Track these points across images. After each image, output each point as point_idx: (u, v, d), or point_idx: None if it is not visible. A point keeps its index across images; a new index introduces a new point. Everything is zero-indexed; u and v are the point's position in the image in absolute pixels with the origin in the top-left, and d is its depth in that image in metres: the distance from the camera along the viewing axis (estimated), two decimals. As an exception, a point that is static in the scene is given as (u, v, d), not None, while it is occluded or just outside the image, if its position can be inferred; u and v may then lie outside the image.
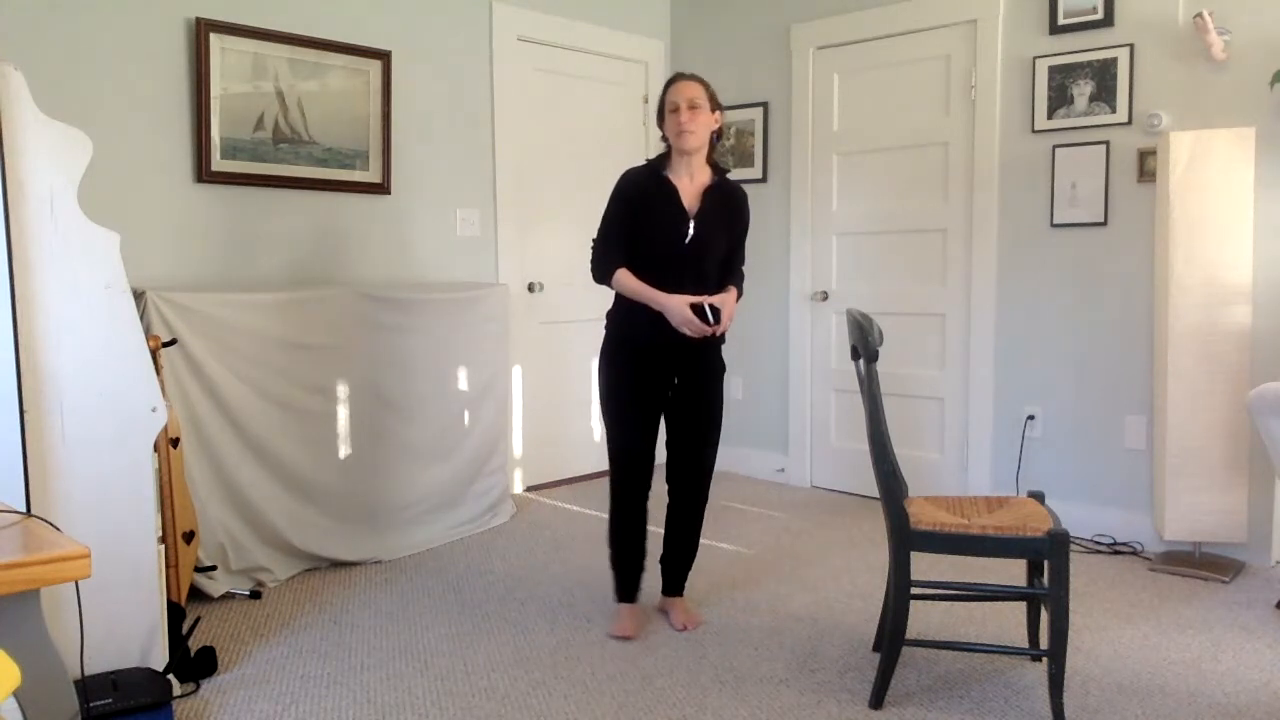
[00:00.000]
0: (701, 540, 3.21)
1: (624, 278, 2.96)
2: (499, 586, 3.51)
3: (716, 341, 3.04)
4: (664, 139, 3.03)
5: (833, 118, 4.79)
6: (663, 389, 3.05)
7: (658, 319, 2.93)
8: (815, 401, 4.95)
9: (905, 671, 2.79)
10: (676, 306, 2.87)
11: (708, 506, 3.20)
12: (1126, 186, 3.91)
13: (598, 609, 3.27)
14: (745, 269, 3.15)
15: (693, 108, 2.91)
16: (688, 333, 2.88)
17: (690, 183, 2.98)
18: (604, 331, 3.09)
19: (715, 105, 2.98)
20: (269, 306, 3.51)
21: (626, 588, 3.12)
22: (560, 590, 3.46)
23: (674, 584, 3.20)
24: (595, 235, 3.04)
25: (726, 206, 3.02)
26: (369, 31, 4.14)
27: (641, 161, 3.14)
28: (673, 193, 2.96)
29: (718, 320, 2.88)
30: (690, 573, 3.23)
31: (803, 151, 4.88)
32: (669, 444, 3.13)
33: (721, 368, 3.10)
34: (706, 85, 2.98)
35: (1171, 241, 3.54)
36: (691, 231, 2.94)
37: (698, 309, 2.86)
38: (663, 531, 3.20)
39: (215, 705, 2.61)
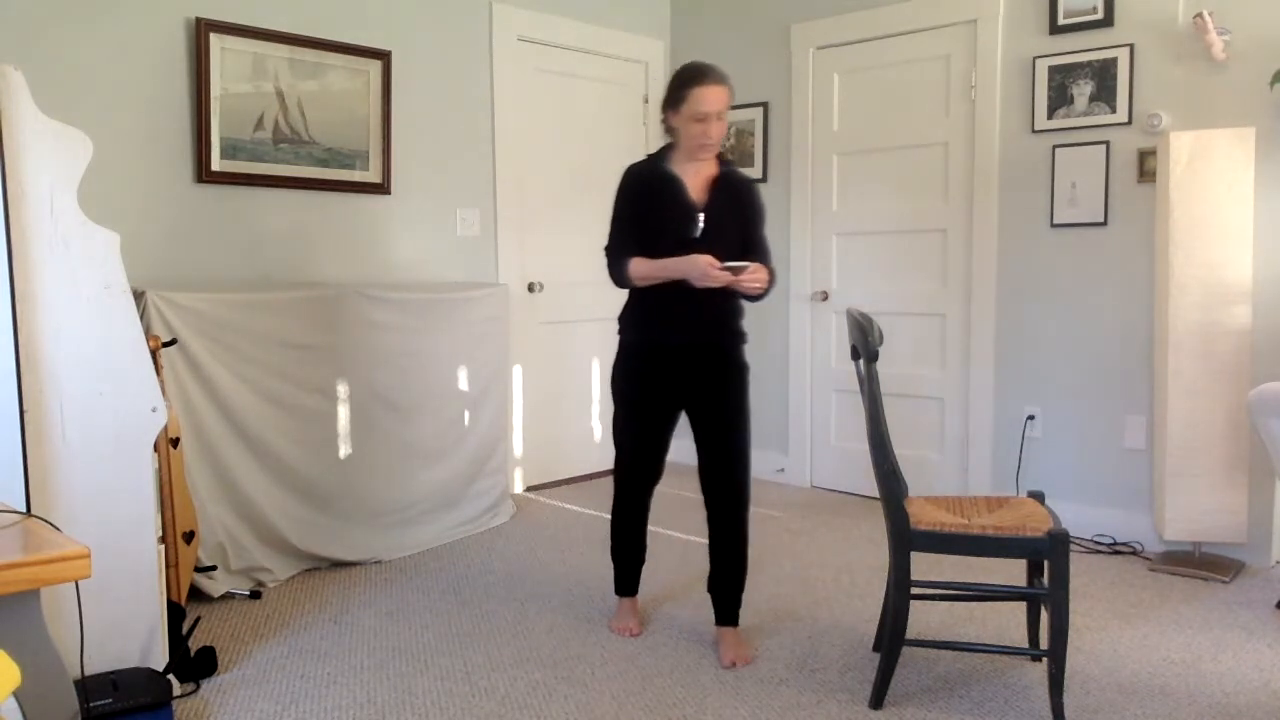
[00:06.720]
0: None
1: (638, 264, 2.83)
2: (499, 586, 3.51)
3: (735, 339, 2.92)
4: (665, 126, 2.91)
5: (833, 118, 4.79)
6: (678, 392, 2.91)
7: (671, 314, 2.84)
8: (815, 401, 4.95)
9: (905, 671, 2.79)
10: (692, 261, 2.71)
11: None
12: (1126, 186, 3.90)
13: (598, 609, 3.27)
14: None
15: (720, 119, 2.81)
16: (710, 284, 2.70)
17: (696, 176, 2.88)
18: (617, 336, 3.00)
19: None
20: (269, 306, 3.51)
21: (625, 581, 3.12)
22: (560, 590, 3.46)
23: (724, 611, 2.93)
24: (606, 241, 2.93)
25: (735, 197, 2.90)
26: (369, 31, 4.14)
27: (642, 158, 3.03)
28: (679, 187, 2.86)
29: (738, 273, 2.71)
30: (743, 597, 2.96)
31: (803, 151, 4.88)
32: (698, 452, 2.93)
33: (743, 365, 2.93)
34: (731, 87, 2.86)
35: (1171, 241, 3.54)
36: (702, 225, 2.83)
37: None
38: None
39: (215, 705, 2.61)
